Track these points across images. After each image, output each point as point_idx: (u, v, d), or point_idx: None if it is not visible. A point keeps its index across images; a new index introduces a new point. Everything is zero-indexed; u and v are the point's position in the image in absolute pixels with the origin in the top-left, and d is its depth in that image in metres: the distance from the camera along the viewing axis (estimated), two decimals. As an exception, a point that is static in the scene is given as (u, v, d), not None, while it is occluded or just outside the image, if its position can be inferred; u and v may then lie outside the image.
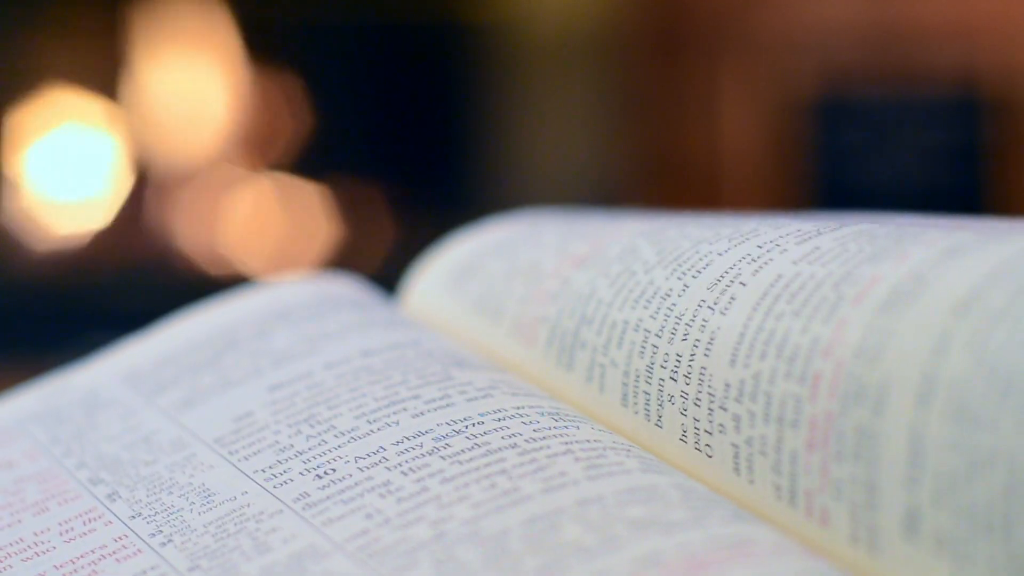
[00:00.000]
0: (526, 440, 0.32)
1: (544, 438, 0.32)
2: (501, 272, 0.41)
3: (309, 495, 0.32)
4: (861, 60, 1.65)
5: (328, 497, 0.32)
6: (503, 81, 1.67)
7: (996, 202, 1.62)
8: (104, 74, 1.67)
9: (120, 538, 0.33)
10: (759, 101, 1.68)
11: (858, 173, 1.65)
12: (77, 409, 0.39)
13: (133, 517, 0.33)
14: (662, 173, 1.73)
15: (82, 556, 0.32)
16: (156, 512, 0.33)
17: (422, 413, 0.34)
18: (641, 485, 0.31)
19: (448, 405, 0.34)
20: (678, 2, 1.70)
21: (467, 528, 0.29)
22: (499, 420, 0.33)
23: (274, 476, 0.33)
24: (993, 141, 1.63)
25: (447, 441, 0.33)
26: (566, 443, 0.32)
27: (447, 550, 0.29)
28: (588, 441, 0.32)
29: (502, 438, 0.33)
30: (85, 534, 0.33)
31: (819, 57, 1.66)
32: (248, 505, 0.32)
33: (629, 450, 0.33)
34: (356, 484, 0.32)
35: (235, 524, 0.32)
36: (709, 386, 0.32)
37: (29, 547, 0.33)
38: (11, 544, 0.33)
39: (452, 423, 0.33)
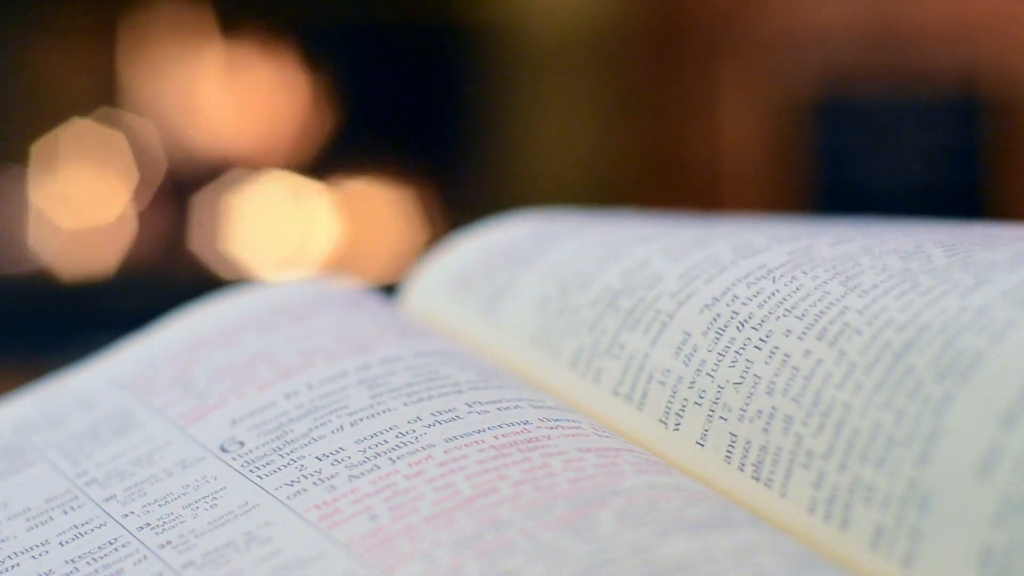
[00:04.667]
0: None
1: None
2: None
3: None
4: (861, 60, 1.65)
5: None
6: (504, 81, 1.67)
7: (996, 202, 1.61)
8: (108, 76, 1.67)
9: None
10: (759, 101, 1.68)
11: (858, 173, 1.65)
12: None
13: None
14: (662, 173, 1.73)
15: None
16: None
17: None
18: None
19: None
20: (678, 2, 1.70)
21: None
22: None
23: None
24: (993, 141, 1.63)
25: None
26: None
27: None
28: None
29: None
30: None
31: (819, 57, 1.66)
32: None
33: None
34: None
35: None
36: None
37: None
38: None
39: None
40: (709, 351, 0.34)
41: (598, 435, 0.33)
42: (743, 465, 0.32)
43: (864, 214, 0.44)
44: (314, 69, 1.70)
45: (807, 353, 0.32)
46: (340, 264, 1.64)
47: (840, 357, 0.31)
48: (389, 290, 0.46)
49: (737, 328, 0.34)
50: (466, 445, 0.32)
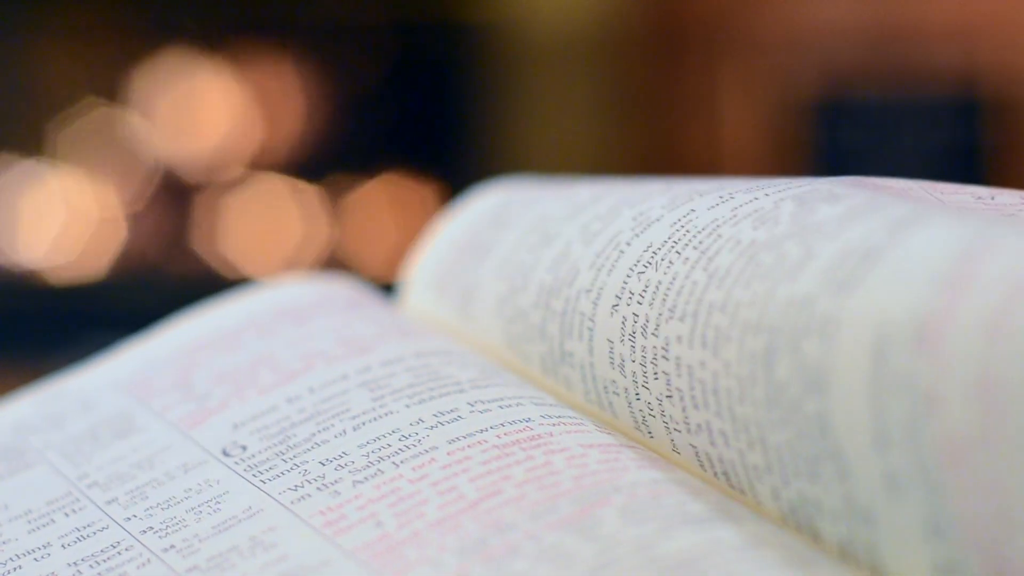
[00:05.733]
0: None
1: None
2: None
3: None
4: (861, 60, 1.65)
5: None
6: (503, 81, 1.67)
7: (996, 202, 1.61)
8: (107, 76, 1.66)
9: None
10: (759, 101, 1.67)
11: (858, 173, 1.65)
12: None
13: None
14: (662, 173, 1.73)
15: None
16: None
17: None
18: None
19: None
20: (678, 2, 1.70)
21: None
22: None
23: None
24: (993, 141, 1.63)
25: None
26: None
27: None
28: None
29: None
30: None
31: (819, 57, 1.65)
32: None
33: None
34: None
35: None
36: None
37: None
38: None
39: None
40: (633, 361, 0.33)
41: (600, 431, 0.33)
42: (716, 474, 0.31)
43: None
44: (314, 68, 1.70)
45: (703, 364, 0.30)
46: (339, 264, 1.64)
47: (727, 369, 0.30)
48: (388, 290, 0.46)
49: (642, 334, 0.32)
50: (469, 446, 0.32)
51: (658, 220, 0.34)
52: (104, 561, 0.32)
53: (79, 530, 0.33)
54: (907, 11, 1.63)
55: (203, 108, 1.69)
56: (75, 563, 0.32)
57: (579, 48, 1.65)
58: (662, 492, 0.30)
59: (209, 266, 1.67)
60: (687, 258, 0.32)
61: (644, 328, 0.32)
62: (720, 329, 0.30)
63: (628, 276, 0.33)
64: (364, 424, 0.34)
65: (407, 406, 0.34)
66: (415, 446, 0.33)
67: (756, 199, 0.32)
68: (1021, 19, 1.62)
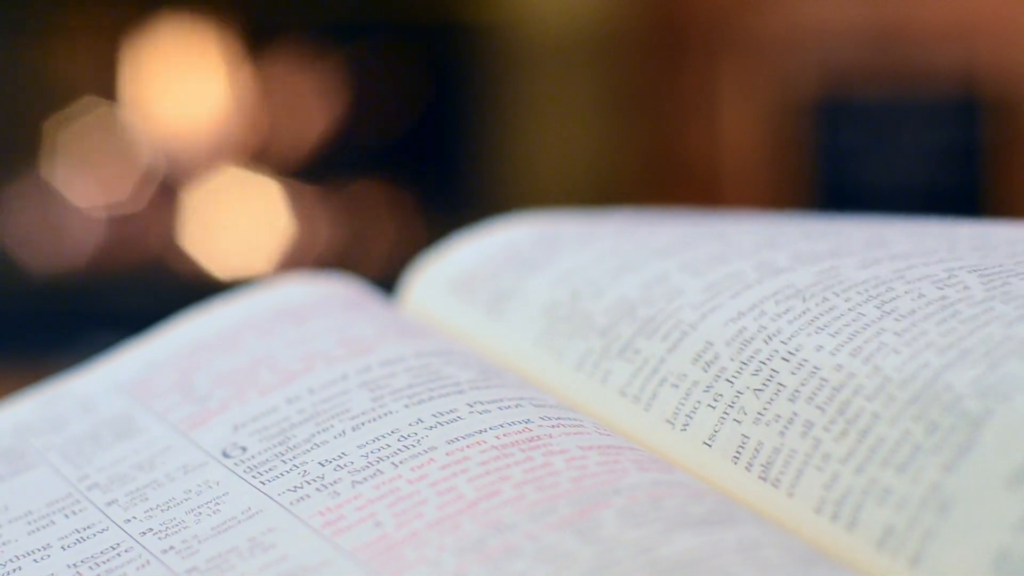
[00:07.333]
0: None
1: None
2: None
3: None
4: (861, 60, 1.65)
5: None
6: (503, 81, 1.67)
7: (996, 202, 1.61)
8: (108, 75, 1.66)
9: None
10: (759, 101, 1.68)
11: (858, 173, 1.65)
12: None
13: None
14: (662, 173, 1.73)
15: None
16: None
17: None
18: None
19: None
20: (678, 2, 1.70)
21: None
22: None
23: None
24: (993, 141, 1.63)
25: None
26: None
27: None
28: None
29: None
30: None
31: (819, 57, 1.66)
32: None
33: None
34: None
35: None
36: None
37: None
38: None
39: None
40: (731, 360, 0.34)
41: (600, 433, 0.33)
42: (751, 465, 0.32)
43: (864, 213, 0.44)
44: (313, 68, 1.70)
45: (839, 367, 0.32)
46: (339, 263, 1.64)
47: (874, 372, 0.31)
48: (388, 290, 0.46)
49: (764, 341, 0.34)
50: (468, 447, 0.32)
51: (791, 269, 0.36)
52: (104, 563, 0.32)
53: (79, 531, 0.33)
54: (907, 11, 1.63)
55: (201, 107, 1.69)
56: (75, 564, 0.32)
57: (579, 48, 1.66)
58: (662, 494, 0.30)
59: (207, 266, 1.67)
60: (850, 298, 0.34)
61: (771, 336, 0.34)
62: (886, 344, 0.32)
63: (762, 301, 0.35)
64: (363, 424, 0.34)
65: (406, 406, 0.34)
66: (414, 446, 0.33)
67: (913, 267, 0.35)
68: (1021, 19, 1.62)
